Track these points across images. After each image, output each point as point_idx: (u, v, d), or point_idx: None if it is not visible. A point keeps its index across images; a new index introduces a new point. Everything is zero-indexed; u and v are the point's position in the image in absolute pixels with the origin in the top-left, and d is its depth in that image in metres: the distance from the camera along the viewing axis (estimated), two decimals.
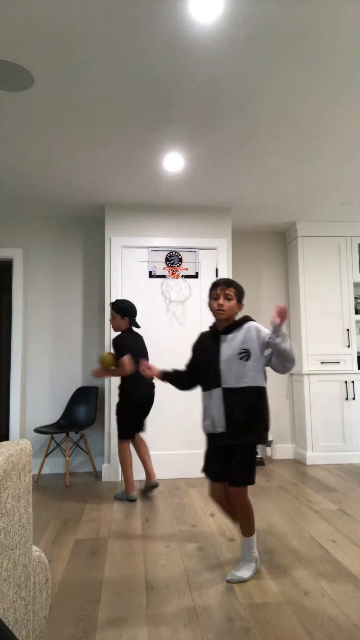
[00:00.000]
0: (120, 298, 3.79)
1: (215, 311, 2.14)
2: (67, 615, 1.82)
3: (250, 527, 2.12)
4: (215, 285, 2.16)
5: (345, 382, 4.42)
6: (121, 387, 3.39)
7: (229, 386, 2.06)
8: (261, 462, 4.34)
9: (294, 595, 1.94)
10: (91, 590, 2.03)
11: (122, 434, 3.37)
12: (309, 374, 4.41)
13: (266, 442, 2.14)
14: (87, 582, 2.09)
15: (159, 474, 3.89)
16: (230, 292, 2.14)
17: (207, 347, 2.17)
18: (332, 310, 4.54)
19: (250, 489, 3.66)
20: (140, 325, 3.59)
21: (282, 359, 2.00)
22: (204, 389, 2.16)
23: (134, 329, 3.47)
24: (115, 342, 3.31)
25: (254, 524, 2.14)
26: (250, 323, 2.13)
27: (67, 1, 1.79)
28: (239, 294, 2.17)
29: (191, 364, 2.26)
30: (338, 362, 4.47)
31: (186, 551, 2.41)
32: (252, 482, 2.05)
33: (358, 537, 2.56)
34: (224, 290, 2.13)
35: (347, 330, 4.51)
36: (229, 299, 2.13)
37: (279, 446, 4.67)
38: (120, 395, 3.39)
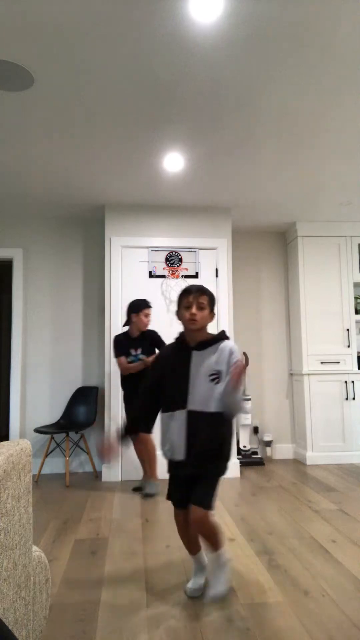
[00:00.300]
0: (138, 298, 3.64)
1: (186, 321, 1.88)
2: (67, 615, 1.82)
3: (219, 542, 1.92)
4: (186, 293, 1.92)
5: (345, 382, 4.42)
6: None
7: (194, 409, 1.82)
8: (261, 462, 4.34)
9: (294, 595, 1.94)
10: (91, 590, 2.03)
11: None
12: (309, 374, 4.41)
13: (224, 474, 1.90)
14: (87, 582, 2.09)
15: (159, 474, 3.89)
16: (204, 300, 1.89)
17: (174, 361, 1.91)
18: (332, 310, 4.54)
19: (250, 489, 3.68)
20: None
21: (227, 404, 1.83)
22: (165, 410, 1.90)
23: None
24: (156, 337, 3.49)
25: (222, 537, 1.94)
26: (226, 343, 1.90)
27: (67, 1, 1.79)
28: (212, 302, 1.93)
29: (153, 382, 1.96)
30: (338, 362, 4.47)
31: (186, 551, 2.41)
32: (211, 508, 1.83)
33: (358, 537, 2.56)
34: (197, 299, 1.88)
35: (347, 330, 4.51)
36: (201, 308, 1.88)
37: (279, 446, 4.67)
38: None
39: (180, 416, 1.83)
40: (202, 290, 1.92)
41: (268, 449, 4.60)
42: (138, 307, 3.45)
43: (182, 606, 1.88)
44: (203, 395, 1.82)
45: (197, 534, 1.92)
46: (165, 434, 1.89)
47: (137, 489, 3.56)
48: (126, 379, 3.51)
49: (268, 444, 4.57)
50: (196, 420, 1.82)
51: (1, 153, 3.06)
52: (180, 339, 1.95)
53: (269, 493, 3.43)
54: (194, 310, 1.87)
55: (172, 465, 1.92)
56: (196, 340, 1.90)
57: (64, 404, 4.28)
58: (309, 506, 3.11)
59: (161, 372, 1.94)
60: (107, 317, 3.99)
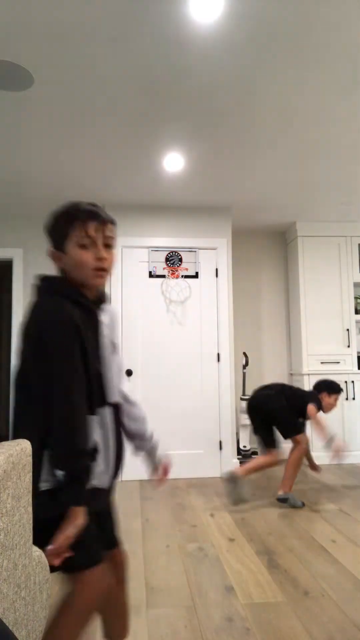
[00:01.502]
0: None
1: (92, 271, 1.14)
2: None
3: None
4: (87, 219, 1.13)
5: (345, 382, 4.42)
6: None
7: (116, 401, 1.22)
8: None
9: (294, 595, 1.94)
10: None
11: (298, 429, 3.28)
12: (309, 374, 4.41)
13: None
14: None
15: None
16: (112, 234, 1.19)
17: (88, 332, 1.13)
18: (332, 310, 4.54)
19: (250, 488, 3.67)
20: None
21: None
22: (91, 409, 1.12)
23: None
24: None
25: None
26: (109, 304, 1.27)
27: (67, 1, 1.79)
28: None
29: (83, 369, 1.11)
30: (338, 362, 4.47)
31: (186, 551, 2.41)
32: None
33: (358, 537, 2.56)
34: (104, 231, 1.15)
35: (347, 330, 4.51)
36: (110, 247, 1.17)
37: None
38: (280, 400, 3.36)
39: (107, 415, 1.17)
40: (111, 220, 1.19)
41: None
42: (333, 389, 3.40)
43: (182, 606, 1.88)
44: (117, 377, 1.23)
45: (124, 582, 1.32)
46: (99, 446, 1.15)
47: (283, 500, 3.19)
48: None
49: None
50: (119, 418, 1.23)
51: (1, 153, 3.06)
52: (77, 293, 1.16)
53: (269, 493, 3.43)
54: (103, 252, 1.14)
55: (95, 496, 1.15)
56: (93, 296, 1.20)
57: None
58: (309, 506, 3.11)
59: (87, 350, 1.11)
60: None
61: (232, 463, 3.97)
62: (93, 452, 1.10)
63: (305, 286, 4.55)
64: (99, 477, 1.14)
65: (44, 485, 1.08)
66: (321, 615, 1.79)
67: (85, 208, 1.14)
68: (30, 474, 1.16)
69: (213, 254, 4.15)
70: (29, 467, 1.29)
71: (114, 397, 1.20)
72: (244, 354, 4.60)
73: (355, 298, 4.68)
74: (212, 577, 2.12)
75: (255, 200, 4.03)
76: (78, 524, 1.05)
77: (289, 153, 3.11)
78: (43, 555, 1.45)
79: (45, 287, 1.20)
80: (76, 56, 2.11)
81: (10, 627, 1.08)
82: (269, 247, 4.93)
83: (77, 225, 1.12)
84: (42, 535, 1.09)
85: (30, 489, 1.20)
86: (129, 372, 3.94)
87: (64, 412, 1.05)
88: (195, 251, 4.13)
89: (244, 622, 1.75)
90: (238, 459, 4.25)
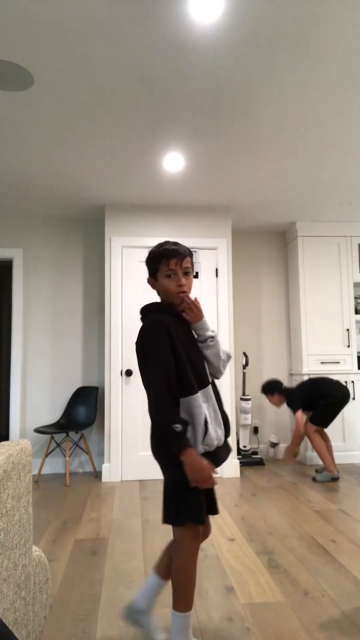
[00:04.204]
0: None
1: (176, 295, 1.53)
2: (67, 615, 1.82)
3: (182, 597, 1.49)
4: (169, 256, 1.51)
5: (345, 382, 4.41)
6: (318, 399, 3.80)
7: (211, 381, 1.60)
8: (261, 462, 4.34)
9: (294, 595, 1.94)
10: (91, 590, 2.03)
11: (322, 422, 3.78)
12: (309, 374, 4.41)
13: None
14: (87, 582, 2.09)
15: (159, 474, 3.89)
16: (189, 264, 1.55)
17: (181, 334, 1.54)
18: (332, 310, 4.54)
19: (250, 488, 3.68)
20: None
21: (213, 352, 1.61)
22: (195, 390, 1.49)
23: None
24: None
25: (192, 596, 1.50)
26: None
27: (67, 1, 1.79)
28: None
29: (172, 365, 1.48)
30: (338, 362, 4.47)
31: None
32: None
33: (358, 537, 2.56)
34: (182, 264, 1.52)
35: (347, 330, 4.51)
36: (188, 274, 1.55)
37: (279, 446, 4.66)
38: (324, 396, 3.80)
39: (209, 393, 1.55)
40: (187, 252, 1.54)
41: (271, 450, 4.58)
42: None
43: None
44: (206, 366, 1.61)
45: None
46: (200, 417, 1.47)
47: (334, 479, 3.79)
48: None
49: (274, 445, 4.48)
50: (217, 394, 1.60)
51: (1, 153, 3.06)
52: (168, 307, 1.57)
53: (269, 493, 3.43)
54: (183, 280, 1.52)
55: (220, 453, 1.54)
56: (180, 309, 1.60)
57: (64, 404, 4.28)
58: (309, 506, 3.11)
59: (181, 351, 1.50)
60: (107, 317, 3.99)
61: (232, 463, 3.97)
62: (183, 424, 1.41)
63: (305, 286, 4.55)
64: (210, 442, 1.48)
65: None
66: (321, 615, 1.79)
67: (169, 248, 1.52)
68: (30, 473, 1.16)
69: (213, 254, 4.16)
70: (29, 467, 1.29)
71: (208, 380, 1.56)
72: (244, 354, 4.60)
73: (355, 298, 4.68)
74: (212, 577, 2.12)
75: (255, 200, 4.03)
76: (190, 463, 1.40)
77: (289, 153, 3.12)
78: (43, 555, 1.45)
79: (145, 311, 1.59)
80: (76, 56, 2.11)
81: (10, 627, 1.08)
82: (269, 247, 4.93)
83: (164, 261, 1.51)
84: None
85: (30, 489, 1.19)
86: (128, 372, 3.94)
87: (152, 398, 1.44)
88: (195, 251, 4.13)
89: (244, 622, 1.75)
90: (238, 459, 4.25)
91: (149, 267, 1.57)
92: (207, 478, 1.39)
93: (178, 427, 1.39)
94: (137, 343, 1.51)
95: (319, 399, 3.78)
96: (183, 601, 1.47)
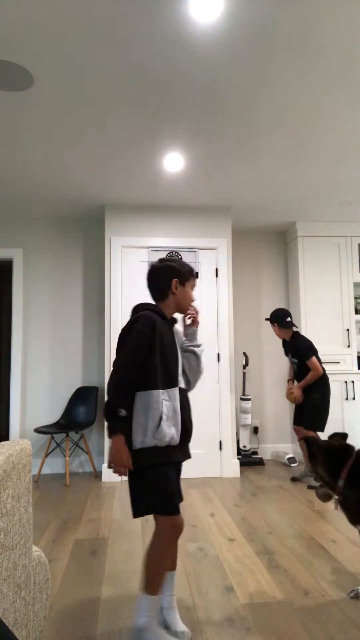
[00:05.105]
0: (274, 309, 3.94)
1: (188, 304, 1.82)
2: (67, 615, 1.82)
3: (153, 581, 1.60)
4: (195, 276, 1.94)
5: (345, 382, 4.42)
6: (319, 379, 3.66)
7: (182, 387, 1.75)
8: (261, 462, 4.34)
9: (294, 595, 1.94)
10: (91, 590, 2.03)
11: (319, 425, 3.63)
12: None
13: None
14: (87, 582, 2.09)
15: None
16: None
17: (167, 336, 1.73)
18: (332, 310, 4.54)
19: (250, 488, 3.68)
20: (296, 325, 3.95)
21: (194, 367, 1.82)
22: (158, 386, 1.62)
23: (295, 329, 3.81)
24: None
25: (162, 581, 1.62)
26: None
27: (67, 1, 1.79)
28: None
29: (144, 358, 1.65)
30: (338, 362, 4.47)
31: (186, 551, 2.41)
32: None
33: (358, 537, 2.56)
34: (195, 283, 1.91)
35: (347, 330, 4.51)
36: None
37: (279, 446, 4.67)
38: (318, 387, 3.66)
39: (174, 394, 1.67)
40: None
41: (271, 452, 4.58)
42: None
43: (182, 606, 1.88)
44: (179, 371, 1.75)
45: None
46: (164, 413, 1.60)
47: (295, 479, 3.80)
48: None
49: (291, 460, 4.32)
50: (184, 398, 1.72)
51: (1, 153, 3.06)
52: (161, 313, 1.76)
53: (269, 493, 3.43)
54: (193, 296, 1.87)
55: (174, 452, 1.64)
56: (170, 317, 1.82)
57: (64, 404, 4.28)
58: (309, 506, 3.11)
59: (162, 346, 1.68)
60: (107, 317, 3.99)
61: (232, 463, 3.97)
62: (128, 412, 1.58)
63: (305, 286, 4.55)
64: (172, 437, 1.61)
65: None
66: (321, 615, 1.79)
67: (192, 269, 1.85)
68: (30, 473, 1.16)
69: (213, 254, 4.16)
70: (29, 467, 1.29)
71: (179, 384, 1.71)
72: (244, 354, 4.60)
73: (355, 298, 4.68)
74: (212, 577, 2.12)
75: (255, 200, 4.03)
76: (114, 447, 1.54)
77: (289, 153, 3.11)
78: (43, 555, 1.45)
79: (139, 307, 1.76)
80: (76, 56, 2.11)
81: (10, 627, 1.08)
82: (269, 247, 4.93)
83: (192, 278, 1.83)
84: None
85: (30, 489, 1.19)
86: None
87: (114, 376, 1.59)
88: (195, 251, 4.13)
89: (244, 622, 1.75)
90: (238, 458, 4.25)
91: (181, 274, 1.78)
92: (122, 465, 1.54)
93: (123, 412, 1.55)
94: (123, 329, 1.69)
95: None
96: (153, 585, 1.59)
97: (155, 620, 1.61)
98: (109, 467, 1.55)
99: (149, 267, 1.84)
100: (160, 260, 1.85)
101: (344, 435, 2.06)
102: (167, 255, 4.08)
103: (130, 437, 1.59)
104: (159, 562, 1.60)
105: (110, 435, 1.55)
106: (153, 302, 1.82)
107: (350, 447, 1.93)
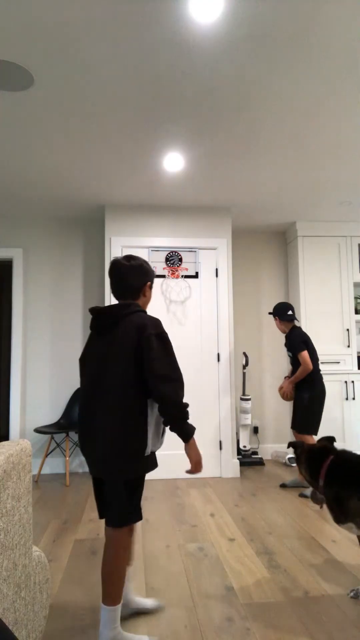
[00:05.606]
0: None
1: (147, 303, 1.85)
2: (67, 615, 1.82)
3: (112, 591, 1.57)
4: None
5: (345, 382, 4.42)
6: (308, 377, 3.53)
7: None
8: (261, 462, 4.34)
9: (294, 595, 1.94)
10: (91, 590, 2.03)
11: (311, 428, 3.47)
12: None
13: None
14: (87, 582, 2.09)
15: (159, 474, 3.89)
16: None
17: None
18: (332, 310, 4.54)
19: (250, 488, 3.68)
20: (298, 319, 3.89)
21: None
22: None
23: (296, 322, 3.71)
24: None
25: (121, 590, 1.59)
26: None
27: (67, 1, 1.79)
28: None
29: None
30: (338, 362, 4.47)
31: (186, 551, 2.41)
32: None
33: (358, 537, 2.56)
34: None
35: (347, 330, 4.51)
36: None
37: (279, 446, 4.67)
38: (309, 386, 3.52)
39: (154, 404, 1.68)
40: None
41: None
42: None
43: (182, 606, 1.88)
44: None
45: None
46: (158, 425, 1.65)
47: (284, 486, 3.62)
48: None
49: (293, 460, 4.33)
50: None
51: (1, 153, 3.06)
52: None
53: (269, 493, 3.43)
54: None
55: (152, 462, 1.65)
56: None
57: (64, 404, 4.28)
58: (309, 506, 3.11)
59: None
60: None
61: (232, 463, 3.97)
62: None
63: (305, 286, 4.55)
64: (162, 440, 1.66)
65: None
66: (321, 615, 1.79)
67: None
68: (30, 473, 1.16)
69: (213, 254, 4.16)
70: (29, 467, 1.29)
71: None
72: (244, 354, 4.60)
73: (355, 298, 4.68)
74: (212, 577, 2.12)
75: (255, 200, 4.03)
76: (196, 449, 1.61)
77: (289, 153, 3.11)
78: (43, 555, 1.45)
79: (134, 307, 1.69)
80: (76, 56, 2.11)
81: (10, 627, 1.08)
82: (269, 247, 4.93)
83: (154, 279, 1.85)
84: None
85: (30, 489, 1.19)
86: None
87: (177, 382, 1.60)
88: (195, 251, 4.13)
89: (244, 622, 1.75)
90: (238, 458, 4.25)
91: (152, 278, 1.78)
92: (201, 462, 1.59)
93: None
94: (149, 328, 1.61)
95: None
96: (113, 595, 1.57)
97: (120, 628, 1.59)
98: (196, 471, 1.57)
99: (121, 264, 1.73)
100: (129, 258, 1.76)
101: (330, 439, 2.08)
102: (167, 255, 4.08)
103: (139, 444, 1.56)
104: (121, 572, 1.59)
105: (189, 438, 1.57)
106: (117, 301, 1.77)
107: (330, 448, 1.97)
